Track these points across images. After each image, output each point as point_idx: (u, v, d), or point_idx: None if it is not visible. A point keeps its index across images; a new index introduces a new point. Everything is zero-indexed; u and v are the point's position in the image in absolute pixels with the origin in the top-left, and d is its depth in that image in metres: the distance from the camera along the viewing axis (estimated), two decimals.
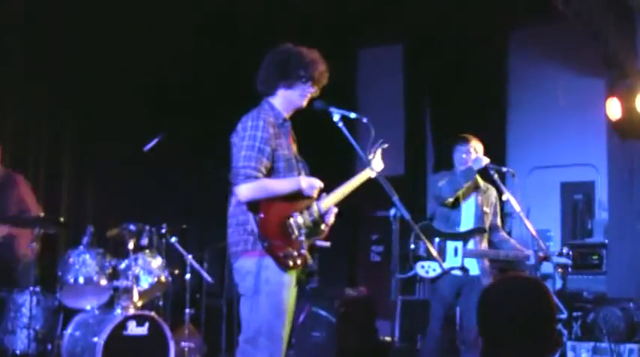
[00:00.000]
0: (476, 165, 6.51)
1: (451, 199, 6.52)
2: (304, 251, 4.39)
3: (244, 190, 4.27)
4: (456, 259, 6.42)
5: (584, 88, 9.88)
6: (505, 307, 2.74)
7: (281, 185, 4.39)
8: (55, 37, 8.30)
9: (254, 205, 4.30)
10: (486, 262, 6.54)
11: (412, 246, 6.37)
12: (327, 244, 4.61)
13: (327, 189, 4.63)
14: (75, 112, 8.55)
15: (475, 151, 6.65)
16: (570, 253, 6.72)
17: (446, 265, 6.36)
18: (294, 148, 4.63)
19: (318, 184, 4.51)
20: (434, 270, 6.38)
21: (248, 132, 4.36)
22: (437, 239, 6.45)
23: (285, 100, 4.56)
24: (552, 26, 9.63)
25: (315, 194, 4.49)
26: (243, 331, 4.38)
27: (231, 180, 4.39)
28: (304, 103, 4.61)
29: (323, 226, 4.57)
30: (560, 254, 6.60)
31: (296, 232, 4.36)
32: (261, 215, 4.27)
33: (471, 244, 6.50)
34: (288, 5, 10.06)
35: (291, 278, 4.38)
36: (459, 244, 6.46)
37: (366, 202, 9.50)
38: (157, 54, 9.00)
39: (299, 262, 4.36)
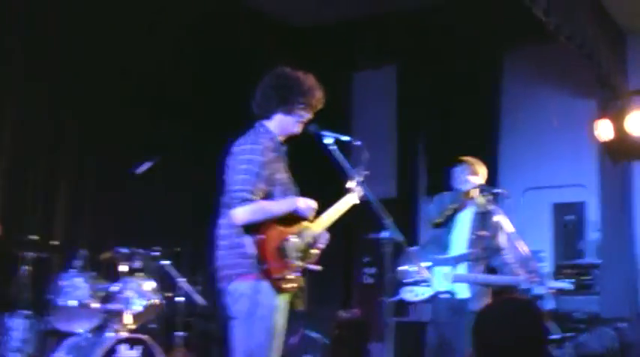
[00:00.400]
0: (464, 186, 6.56)
1: (438, 220, 6.53)
2: (298, 275, 4.41)
3: (241, 214, 4.26)
4: (445, 284, 6.42)
5: (577, 109, 9.92)
6: (496, 331, 2.75)
7: (277, 206, 4.39)
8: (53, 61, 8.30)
9: (252, 228, 4.30)
10: (479, 286, 6.53)
11: (400, 270, 6.34)
12: (318, 267, 4.61)
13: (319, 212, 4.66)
14: (69, 138, 8.53)
15: (475, 174, 6.70)
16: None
17: (434, 289, 6.37)
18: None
19: (314, 205, 4.53)
20: (422, 293, 6.36)
21: (246, 156, 4.37)
22: (427, 264, 6.43)
23: (282, 125, 4.59)
24: (545, 48, 9.68)
25: (311, 215, 4.50)
26: (233, 355, 4.38)
27: (224, 202, 4.38)
28: (299, 129, 4.64)
29: (313, 250, 4.59)
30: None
31: (291, 255, 4.38)
32: (262, 237, 4.27)
33: (461, 269, 6.48)
34: (284, 27, 10.15)
35: (283, 302, 4.39)
36: (449, 268, 6.46)
37: (359, 224, 9.48)
38: (154, 74, 9.01)
39: (294, 285, 4.39)
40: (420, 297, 6.37)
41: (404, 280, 6.31)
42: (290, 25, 10.31)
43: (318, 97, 4.62)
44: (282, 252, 4.35)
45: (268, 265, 4.24)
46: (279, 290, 4.32)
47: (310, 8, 9.83)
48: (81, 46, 8.50)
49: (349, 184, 4.77)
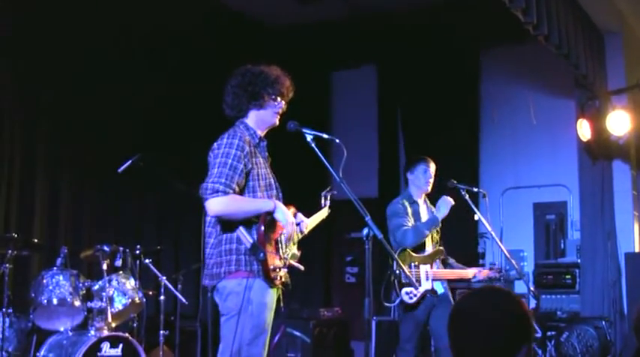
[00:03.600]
0: (441, 213, 6.58)
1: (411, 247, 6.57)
2: (286, 269, 4.47)
3: (213, 204, 4.29)
4: (428, 283, 6.47)
5: (556, 109, 10.00)
6: (480, 316, 2.69)
7: (253, 203, 4.43)
8: (40, 57, 8.27)
9: (249, 221, 4.36)
10: (445, 282, 6.64)
11: (397, 272, 6.35)
12: (301, 267, 4.66)
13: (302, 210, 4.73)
14: (48, 133, 8.50)
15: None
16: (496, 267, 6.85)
17: (422, 289, 6.41)
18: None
19: (291, 219, 4.57)
20: (415, 295, 6.39)
21: (222, 149, 4.41)
22: (413, 264, 6.46)
23: (259, 119, 4.62)
24: (523, 47, 9.76)
25: (287, 225, 4.53)
26: (222, 351, 4.40)
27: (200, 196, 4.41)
28: (277, 120, 4.68)
29: (298, 251, 4.69)
30: (491, 269, 6.76)
31: (284, 249, 4.47)
32: (262, 228, 4.32)
33: (434, 267, 6.56)
34: (262, 29, 10.15)
35: (272, 299, 4.44)
36: (428, 267, 6.52)
37: (341, 224, 9.54)
38: (133, 74, 8.99)
39: (283, 279, 4.45)
40: (414, 299, 6.38)
41: (401, 282, 6.30)
42: (269, 25, 10.32)
43: (287, 84, 4.68)
44: (277, 244, 4.44)
45: (265, 254, 4.27)
46: (272, 282, 4.36)
47: (289, 8, 9.84)
48: (59, 69, 8.45)
49: (322, 201, 5.04)
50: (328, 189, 5.18)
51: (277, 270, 4.37)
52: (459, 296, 8.45)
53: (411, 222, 6.60)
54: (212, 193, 4.27)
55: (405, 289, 6.35)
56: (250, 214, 4.39)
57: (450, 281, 6.77)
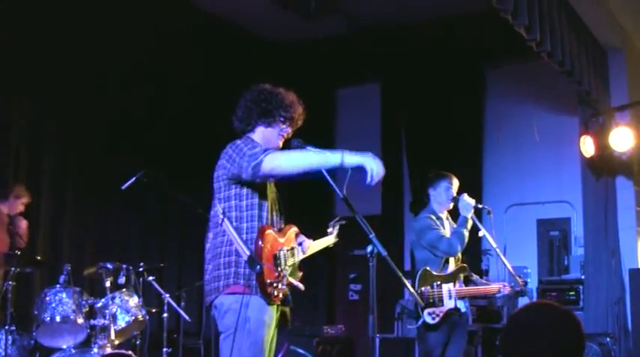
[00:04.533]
0: (467, 212, 6.54)
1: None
2: (285, 287, 4.42)
3: (269, 160, 4.24)
4: (451, 302, 6.38)
5: (560, 126, 10.00)
6: (532, 338, 2.64)
7: (315, 155, 4.36)
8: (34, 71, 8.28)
9: (240, 230, 4.34)
10: (467, 300, 6.58)
11: (419, 291, 6.27)
12: (302, 286, 4.63)
13: (305, 228, 4.71)
14: (52, 150, 8.52)
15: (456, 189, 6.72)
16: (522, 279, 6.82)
17: (445, 308, 6.32)
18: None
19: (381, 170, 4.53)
20: (437, 316, 6.29)
21: (243, 146, 4.39)
22: (435, 284, 6.39)
23: (264, 137, 4.61)
24: (528, 66, 9.77)
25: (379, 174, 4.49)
26: None
27: (251, 171, 4.31)
28: (280, 143, 4.67)
29: (299, 271, 4.66)
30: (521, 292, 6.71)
31: (282, 265, 4.40)
32: (259, 242, 4.28)
33: (457, 285, 6.49)
34: (268, 44, 10.19)
35: (271, 316, 4.39)
36: (451, 285, 6.44)
37: (344, 242, 9.51)
38: (133, 93, 9.00)
39: (281, 295, 4.39)
40: (437, 319, 6.30)
41: (420, 303, 6.20)
42: (274, 42, 10.36)
43: (299, 112, 4.67)
44: (275, 259, 4.38)
45: (262, 266, 4.23)
46: (269, 298, 4.31)
47: (294, 25, 9.88)
48: (59, 80, 8.47)
49: (329, 229, 5.04)
50: (338, 218, 5.15)
51: (274, 285, 4.34)
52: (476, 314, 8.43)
53: (444, 232, 6.59)
54: (264, 152, 4.26)
55: (427, 310, 6.28)
56: (315, 166, 4.32)
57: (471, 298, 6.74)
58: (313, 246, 4.82)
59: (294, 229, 4.68)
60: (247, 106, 4.62)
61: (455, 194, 6.66)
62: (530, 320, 2.73)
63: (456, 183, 6.73)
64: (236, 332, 4.27)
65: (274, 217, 4.57)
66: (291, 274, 4.53)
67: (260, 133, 4.61)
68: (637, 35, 9.38)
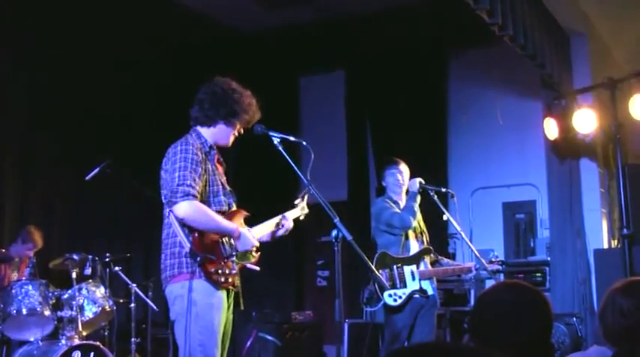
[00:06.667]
0: (414, 187, 6.64)
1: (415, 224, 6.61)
2: (235, 272, 4.46)
3: (184, 207, 4.29)
4: (415, 283, 6.45)
5: (523, 110, 10.05)
6: (507, 306, 2.64)
7: (218, 222, 4.44)
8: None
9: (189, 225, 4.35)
10: (435, 281, 6.64)
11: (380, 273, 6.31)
12: (257, 267, 4.65)
13: (265, 211, 4.72)
14: (16, 143, 8.44)
15: (405, 173, 6.79)
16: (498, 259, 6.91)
17: (407, 290, 6.39)
18: (222, 174, 4.71)
19: (256, 244, 4.60)
20: (400, 297, 6.36)
21: (179, 155, 4.43)
22: (395, 266, 6.45)
23: (219, 134, 4.69)
24: (490, 50, 9.81)
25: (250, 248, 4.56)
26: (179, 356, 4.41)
27: (166, 200, 4.39)
28: (230, 143, 4.75)
29: (254, 253, 4.66)
30: (492, 262, 6.78)
31: (228, 252, 4.45)
32: (195, 234, 4.32)
33: (422, 266, 6.55)
34: (234, 33, 10.14)
35: (220, 299, 4.42)
36: (414, 267, 6.49)
37: (312, 228, 9.54)
38: (99, 83, 8.94)
39: (230, 280, 4.44)
40: (399, 301, 6.36)
41: (384, 285, 6.24)
42: (239, 30, 10.31)
43: (253, 116, 4.73)
44: (219, 247, 4.43)
45: (203, 257, 4.28)
46: (215, 284, 4.36)
47: (258, 14, 9.84)
48: (26, 76, 8.42)
49: (297, 201, 5.01)
50: (303, 192, 5.13)
51: (220, 272, 4.37)
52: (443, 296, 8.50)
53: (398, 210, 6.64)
54: (184, 197, 4.28)
55: (387, 292, 6.33)
56: (212, 230, 4.42)
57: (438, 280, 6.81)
58: (266, 227, 4.81)
59: (242, 213, 4.71)
60: (216, 102, 4.64)
61: (404, 179, 6.75)
62: (499, 299, 2.74)
63: (404, 168, 6.81)
64: (184, 318, 4.30)
65: (222, 202, 4.59)
66: (243, 258, 4.55)
67: (217, 130, 4.68)
68: (598, 20, 9.45)
